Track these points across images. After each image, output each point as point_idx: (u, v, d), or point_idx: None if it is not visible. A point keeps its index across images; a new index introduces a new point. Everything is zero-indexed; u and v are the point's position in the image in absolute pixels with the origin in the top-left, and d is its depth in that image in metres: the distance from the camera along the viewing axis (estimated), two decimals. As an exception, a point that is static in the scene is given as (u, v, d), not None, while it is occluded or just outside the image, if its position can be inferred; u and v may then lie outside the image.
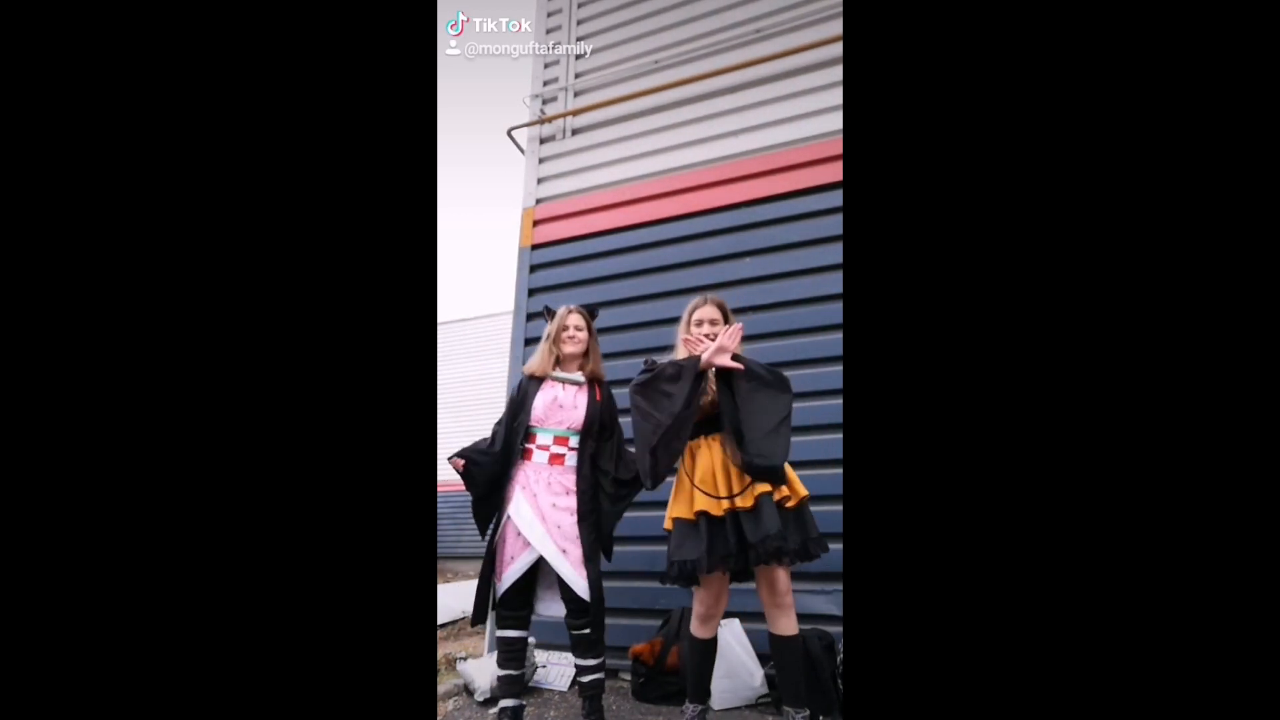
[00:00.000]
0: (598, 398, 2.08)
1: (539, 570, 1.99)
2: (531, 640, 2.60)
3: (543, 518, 1.96)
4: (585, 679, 1.97)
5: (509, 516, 1.98)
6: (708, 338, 1.88)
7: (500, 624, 2.00)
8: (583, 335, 2.11)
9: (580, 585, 1.91)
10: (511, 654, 1.98)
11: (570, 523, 1.96)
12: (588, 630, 1.93)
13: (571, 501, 1.98)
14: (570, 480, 2.01)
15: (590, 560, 1.94)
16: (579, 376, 2.09)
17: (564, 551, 1.94)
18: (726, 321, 1.94)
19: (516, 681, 2.00)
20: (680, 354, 1.90)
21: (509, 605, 1.98)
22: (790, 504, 1.75)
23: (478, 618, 2.01)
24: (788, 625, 1.73)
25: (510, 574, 1.96)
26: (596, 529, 2.00)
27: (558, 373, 2.09)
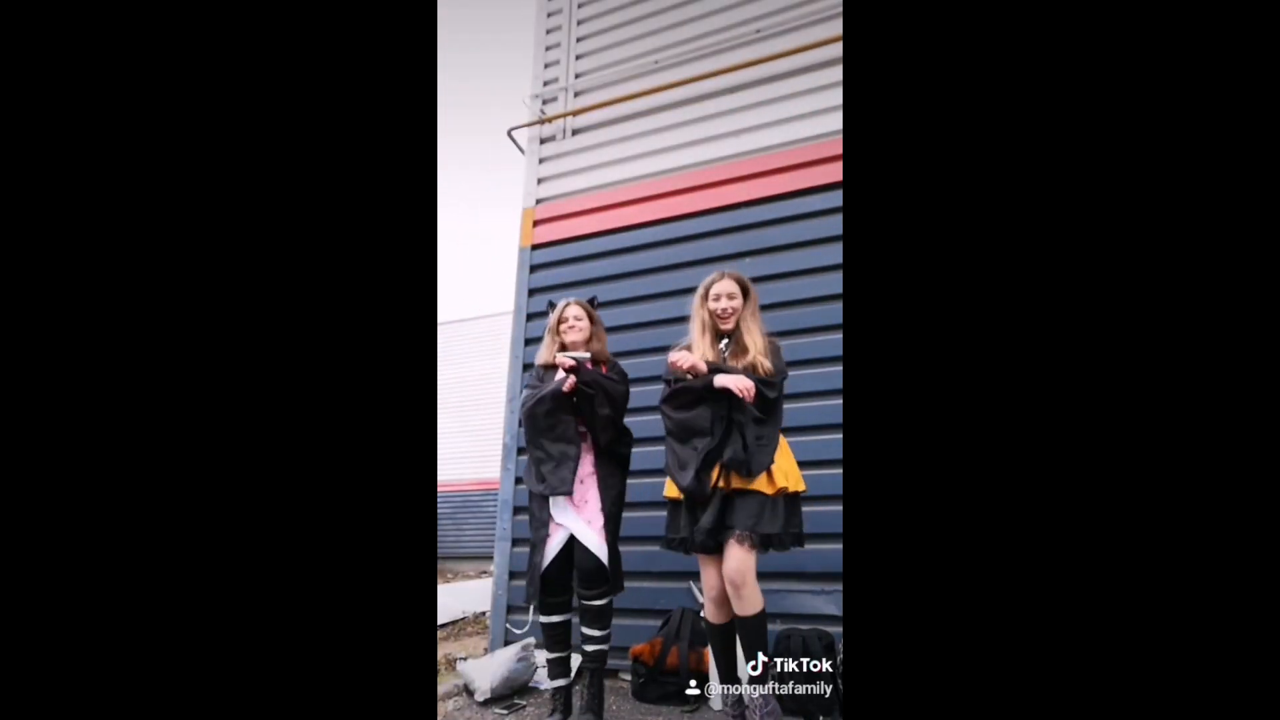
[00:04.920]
0: (603, 371, 2.13)
1: (574, 554, 2.04)
2: (531, 640, 2.60)
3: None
4: (590, 648, 2.02)
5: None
6: (723, 314, 1.89)
7: (544, 611, 2.08)
8: (583, 324, 2.17)
9: (597, 545, 1.98)
10: (555, 638, 2.08)
11: (585, 490, 2.04)
12: (602, 601, 2.01)
13: (586, 469, 2.06)
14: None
15: (610, 526, 2.03)
16: (585, 354, 2.11)
17: (587, 520, 2.02)
18: (746, 297, 1.93)
19: (564, 663, 2.09)
20: (695, 325, 1.92)
21: (550, 591, 2.05)
22: (770, 493, 1.78)
23: (531, 597, 2.11)
24: (740, 606, 1.75)
25: (548, 552, 2.04)
26: (616, 495, 2.08)
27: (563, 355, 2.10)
